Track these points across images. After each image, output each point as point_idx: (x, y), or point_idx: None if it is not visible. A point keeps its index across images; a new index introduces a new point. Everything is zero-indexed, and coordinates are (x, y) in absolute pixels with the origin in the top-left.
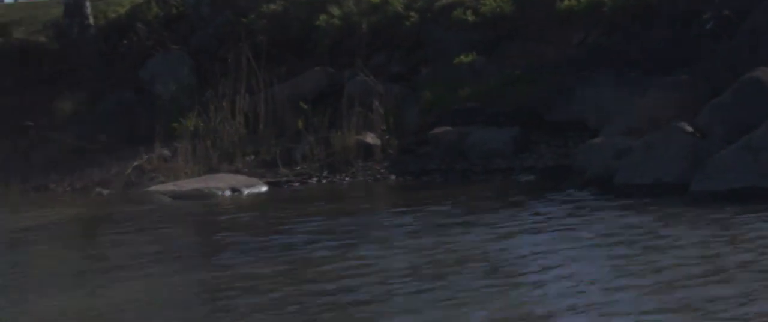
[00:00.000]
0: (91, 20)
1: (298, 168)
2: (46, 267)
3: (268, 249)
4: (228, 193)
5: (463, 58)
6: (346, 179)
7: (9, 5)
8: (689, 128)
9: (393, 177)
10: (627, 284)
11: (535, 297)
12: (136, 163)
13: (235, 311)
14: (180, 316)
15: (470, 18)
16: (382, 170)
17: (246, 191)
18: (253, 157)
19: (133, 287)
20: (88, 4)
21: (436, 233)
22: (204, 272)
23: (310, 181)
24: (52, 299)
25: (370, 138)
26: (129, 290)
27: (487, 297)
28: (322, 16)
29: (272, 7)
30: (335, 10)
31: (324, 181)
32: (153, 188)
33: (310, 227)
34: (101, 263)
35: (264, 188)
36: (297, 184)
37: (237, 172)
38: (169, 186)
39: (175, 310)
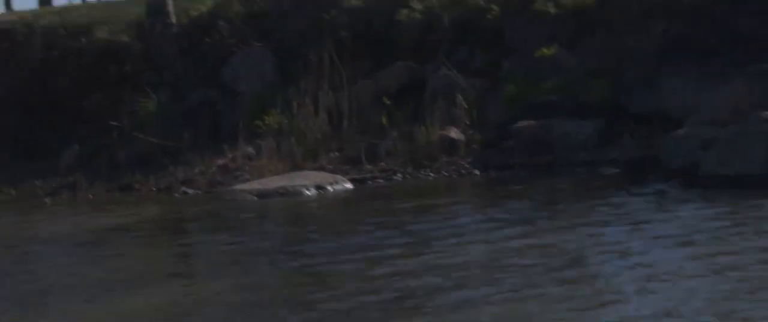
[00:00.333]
0: (173, 19)
1: (383, 164)
2: (126, 267)
3: (349, 247)
4: (313, 191)
5: (545, 50)
6: (430, 174)
7: (92, 5)
8: None
9: (477, 172)
10: (702, 275)
11: (610, 290)
12: (220, 161)
13: (303, 309)
14: (251, 314)
15: (552, 10)
16: (466, 165)
17: (331, 188)
18: (337, 153)
19: (209, 287)
20: (170, 2)
21: (517, 227)
22: (283, 270)
23: (394, 177)
24: (126, 298)
25: (454, 133)
26: (205, 290)
27: (562, 291)
28: (404, 11)
29: (354, 2)
30: (417, 5)
31: (408, 176)
32: (238, 186)
33: (393, 224)
34: (180, 264)
35: (348, 185)
36: (381, 180)
37: (321, 169)
38: (254, 184)
39: (246, 309)
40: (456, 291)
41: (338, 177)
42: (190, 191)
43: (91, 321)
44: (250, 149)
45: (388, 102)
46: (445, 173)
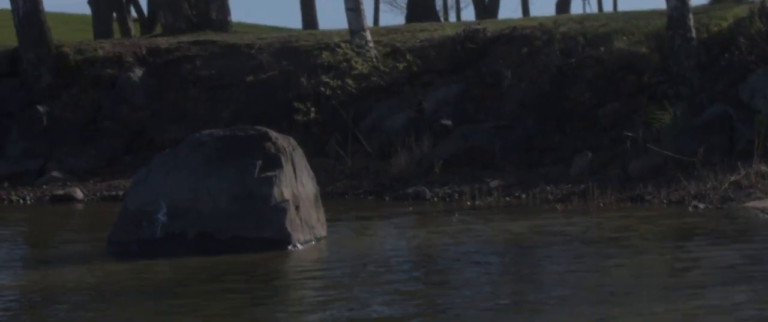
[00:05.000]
0: (693, 33)
1: None
2: (638, 274)
3: None
4: None
5: None
6: None
7: (611, 15)
8: None
9: None
10: None
11: None
12: (733, 177)
13: None
14: None
15: None
16: None
17: None
18: None
19: (717, 300)
20: (691, 16)
21: None
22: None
23: None
24: (636, 305)
25: None
26: (714, 303)
27: None
28: None
29: None
30: None
31: None
32: (750, 203)
33: None
34: (689, 275)
35: None
36: None
37: None
38: (766, 203)
39: None
40: None
41: None
42: (701, 205)
43: None
44: (763, 167)
45: None
46: None
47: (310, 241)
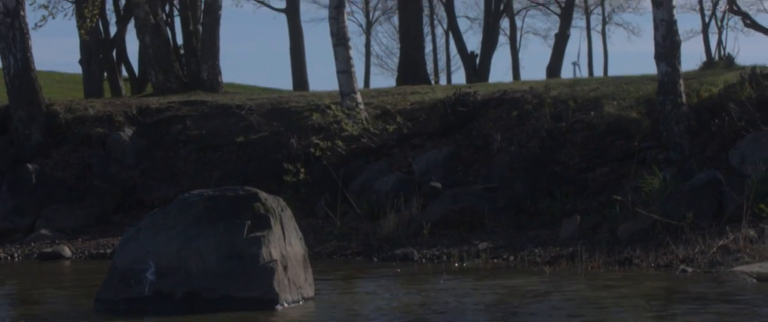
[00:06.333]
0: (684, 98)
1: None
2: None
3: None
4: None
5: None
6: None
7: (601, 80)
8: None
9: None
10: None
11: None
12: (721, 242)
13: None
14: None
15: None
16: None
17: None
18: None
19: None
20: (681, 82)
21: None
22: None
23: None
24: None
25: None
26: None
27: None
28: None
29: None
30: None
31: None
32: (737, 268)
33: None
34: None
35: None
36: None
37: None
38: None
39: None
40: None
41: None
42: (689, 269)
43: None
44: (752, 232)
45: None
46: None
47: (298, 301)
